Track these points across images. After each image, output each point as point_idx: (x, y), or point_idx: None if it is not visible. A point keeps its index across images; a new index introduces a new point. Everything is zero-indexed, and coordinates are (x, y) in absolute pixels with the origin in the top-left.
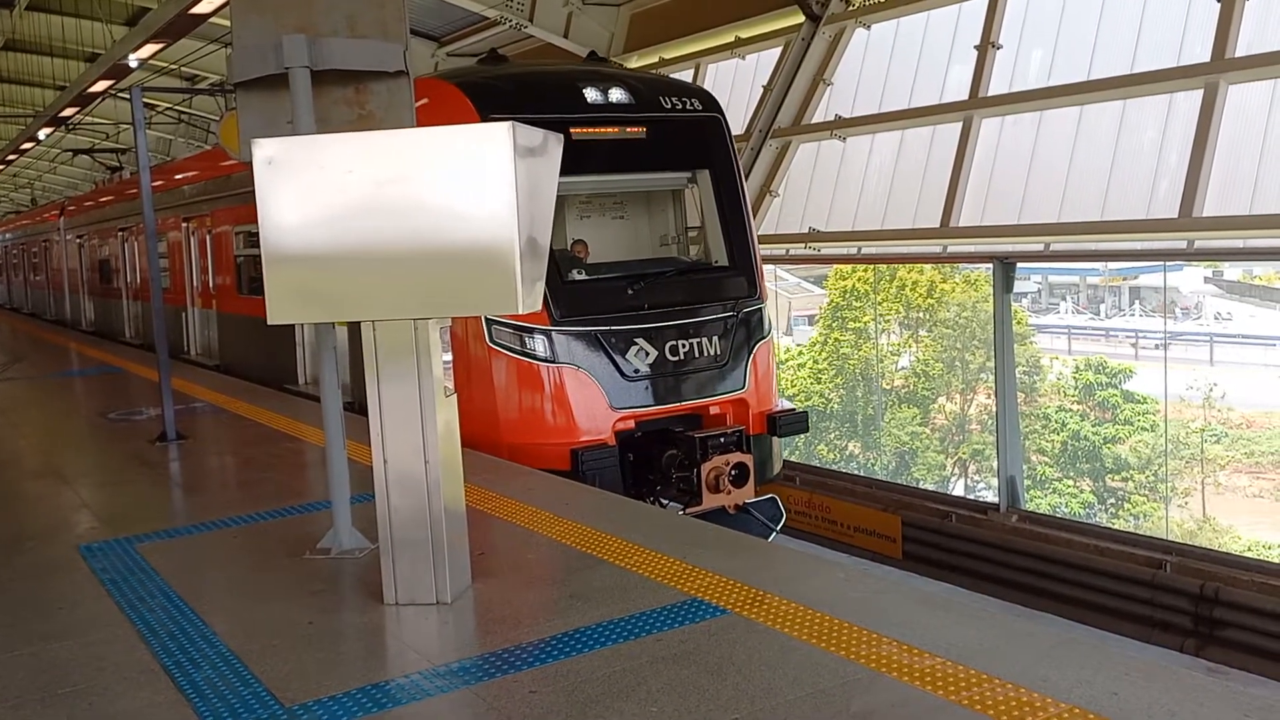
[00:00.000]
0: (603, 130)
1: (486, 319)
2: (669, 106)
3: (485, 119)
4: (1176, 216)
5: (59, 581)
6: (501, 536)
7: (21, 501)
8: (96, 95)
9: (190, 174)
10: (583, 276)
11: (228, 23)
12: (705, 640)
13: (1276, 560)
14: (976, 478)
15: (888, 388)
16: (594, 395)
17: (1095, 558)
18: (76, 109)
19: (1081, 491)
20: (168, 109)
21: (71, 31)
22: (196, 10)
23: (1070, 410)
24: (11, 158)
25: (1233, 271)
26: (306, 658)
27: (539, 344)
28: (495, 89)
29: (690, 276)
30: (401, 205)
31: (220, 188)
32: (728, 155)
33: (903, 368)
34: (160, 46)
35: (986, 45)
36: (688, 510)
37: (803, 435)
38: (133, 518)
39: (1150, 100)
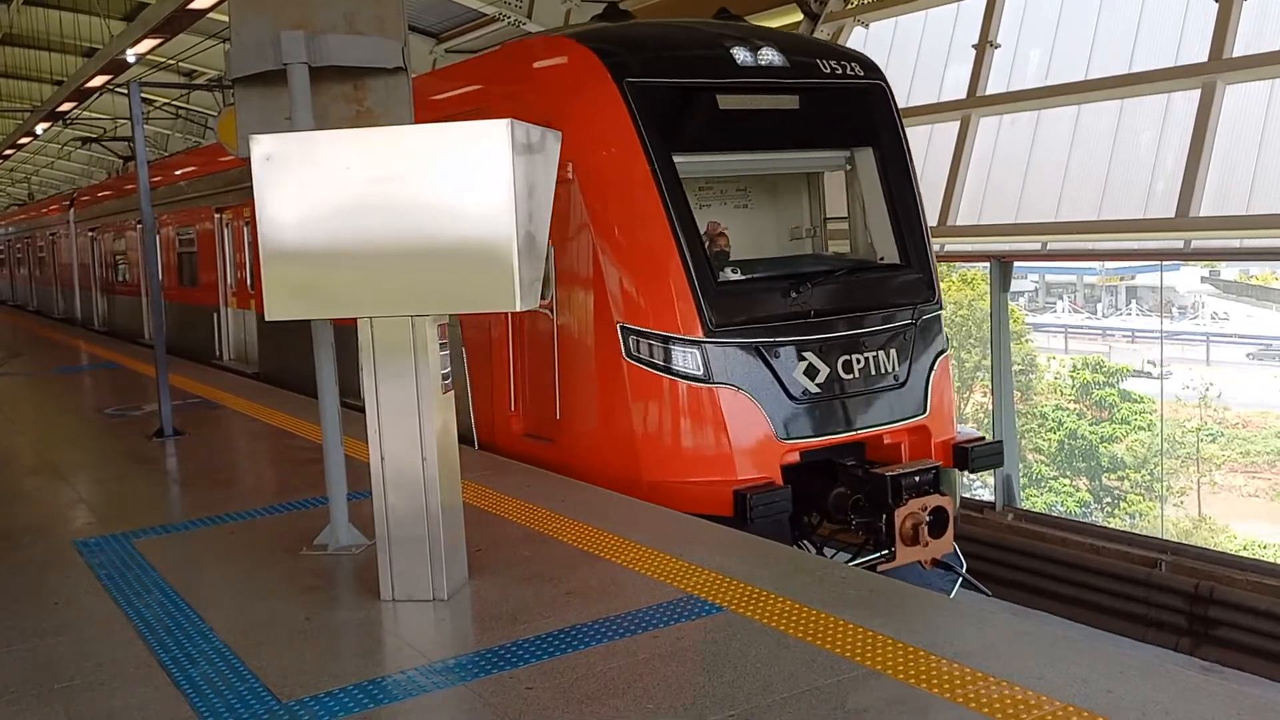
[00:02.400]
0: (754, 99)
1: (623, 327)
2: (827, 71)
3: (620, 84)
4: (1173, 216)
5: (55, 577)
6: (499, 533)
7: (18, 497)
8: (94, 90)
9: (225, 158)
10: (739, 276)
11: (226, 18)
12: (701, 637)
13: (1271, 559)
14: (973, 476)
15: None
16: (757, 422)
17: (1091, 556)
18: (74, 104)
19: (1078, 490)
20: (165, 104)
21: (69, 26)
22: (194, 5)
23: (1067, 409)
24: (9, 152)
25: (1229, 271)
26: (303, 654)
27: (690, 359)
28: (631, 50)
29: (862, 276)
30: (399, 202)
31: None
32: (895, 131)
33: None
34: (158, 41)
35: (984, 44)
36: (879, 568)
37: None
38: (129, 513)
39: (1148, 100)
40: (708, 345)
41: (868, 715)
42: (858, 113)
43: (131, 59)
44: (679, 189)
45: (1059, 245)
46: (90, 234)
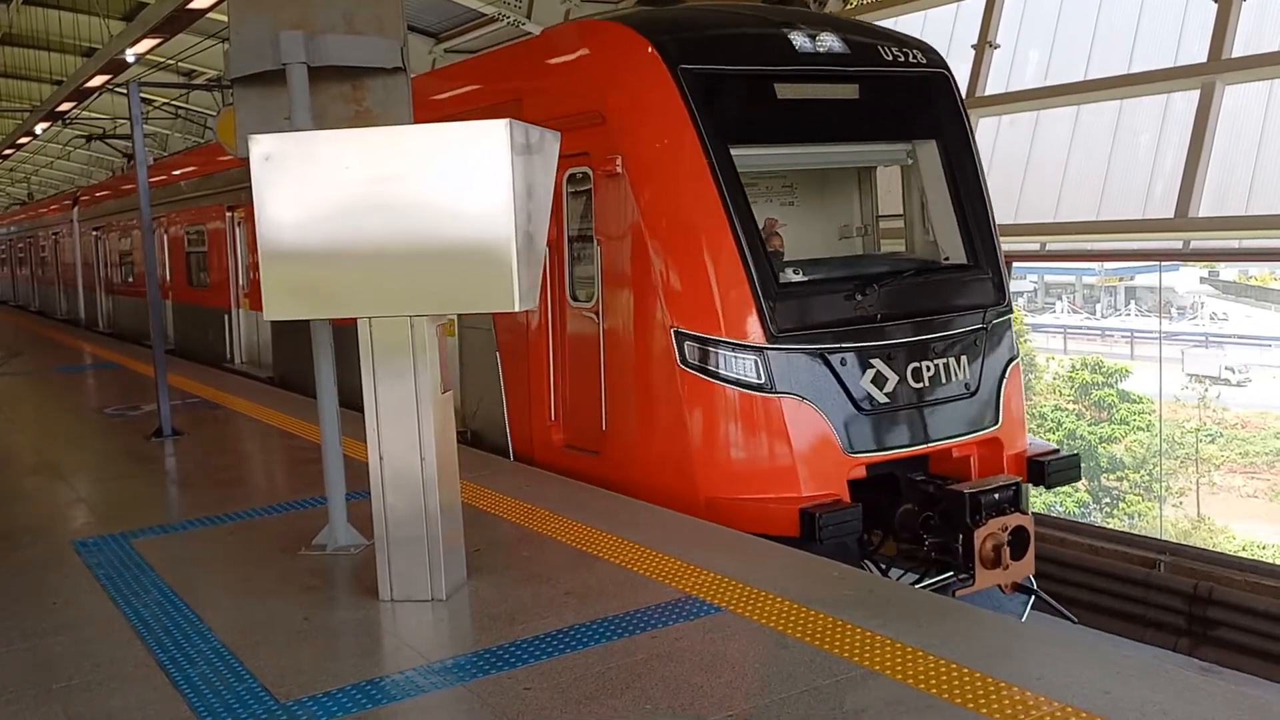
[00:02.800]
0: (813, 88)
1: (677, 332)
2: (889, 59)
3: (674, 71)
4: (1172, 216)
5: (54, 577)
6: (497, 533)
7: (17, 496)
8: (93, 90)
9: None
10: (801, 277)
11: (225, 18)
12: (700, 637)
13: (1270, 560)
14: None
15: None
16: (822, 435)
17: (1090, 557)
18: (73, 104)
19: (1076, 490)
20: (165, 104)
21: (68, 26)
22: (194, 5)
23: (1066, 410)
24: (8, 152)
25: (1228, 272)
26: (302, 654)
27: (751, 366)
28: (683, 34)
29: (929, 278)
30: (398, 202)
31: None
32: (960, 123)
33: None
34: (157, 41)
35: (984, 44)
36: (957, 593)
37: None
38: (128, 513)
39: (1147, 100)
40: (769, 352)
41: (866, 716)
42: (920, 103)
43: (131, 59)
44: (737, 184)
45: (1058, 246)
46: (94, 233)
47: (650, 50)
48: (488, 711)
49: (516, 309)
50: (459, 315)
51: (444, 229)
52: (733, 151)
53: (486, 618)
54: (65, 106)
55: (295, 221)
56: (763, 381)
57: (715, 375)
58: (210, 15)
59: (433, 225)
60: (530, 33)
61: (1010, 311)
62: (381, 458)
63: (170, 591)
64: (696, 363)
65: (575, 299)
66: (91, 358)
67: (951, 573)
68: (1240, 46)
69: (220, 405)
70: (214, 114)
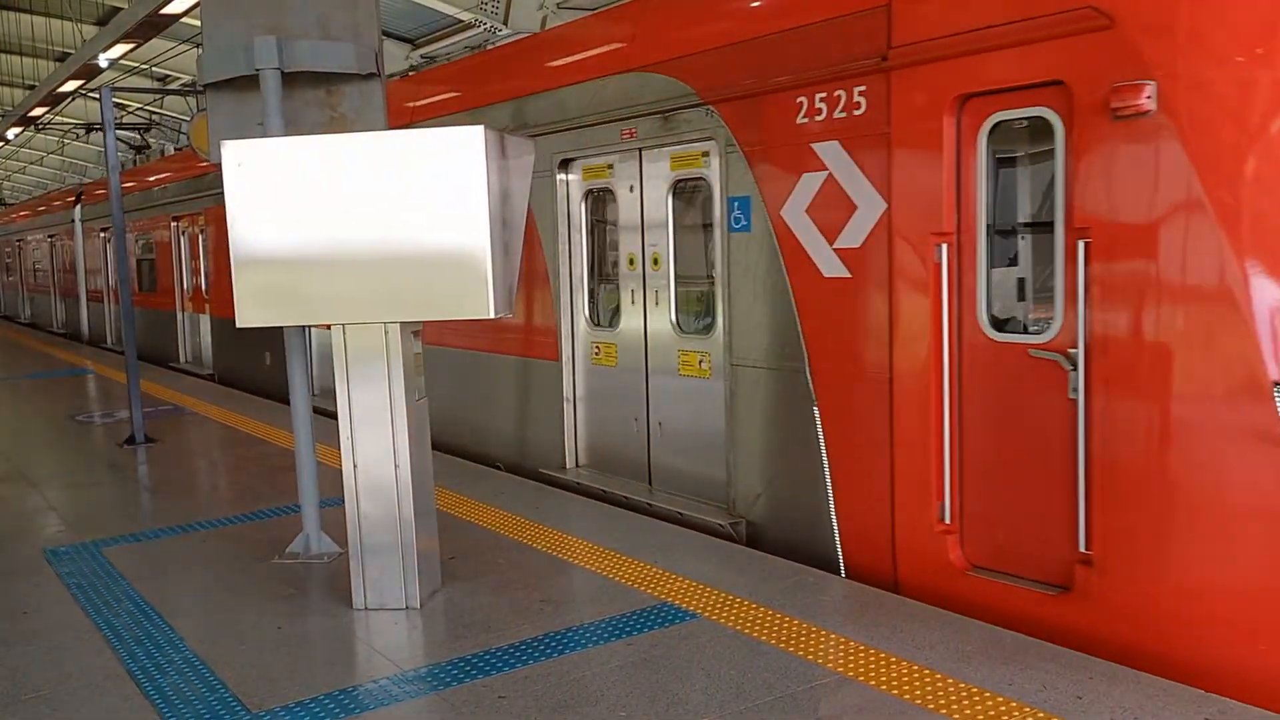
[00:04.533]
0: None
1: None
2: None
3: None
4: None
5: (23, 585)
6: (473, 540)
7: None
8: (66, 95)
9: None
10: None
11: (199, 23)
12: (675, 644)
13: None
14: None
15: None
16: None
17: None
18: (46, 108)
19: None
20: (139, 109)
21: (41, 30)
22: (168, 10)
23: None
24: None
25: None
26: (274, 663)
27: None
28: None
29: None
30: (372, 208)
31: None
32: None
33: None
34: (131, 46)
35: None
36: None
37: None
38: (100, 521)
39: None
40: None
41: None
42: None
43: (104, 64)
44: None
45: None
46: (102, 234)
47: None
48: None
49: (491, 316)
50: (723, 343)
51: (418, 235)
52: None
53: (461, 625)
54: (38, 111)
55: (268, 228)
56: None
57: None
58: (184, 20)
59: (407, 232)
60: (508, 39)
61: None
62: (355, 465)
63: (142, 600)
64: None
65: (999, 328)
66: (64, 364)
67: None
68: None
69: (193, 412)
70: (189, 119)
